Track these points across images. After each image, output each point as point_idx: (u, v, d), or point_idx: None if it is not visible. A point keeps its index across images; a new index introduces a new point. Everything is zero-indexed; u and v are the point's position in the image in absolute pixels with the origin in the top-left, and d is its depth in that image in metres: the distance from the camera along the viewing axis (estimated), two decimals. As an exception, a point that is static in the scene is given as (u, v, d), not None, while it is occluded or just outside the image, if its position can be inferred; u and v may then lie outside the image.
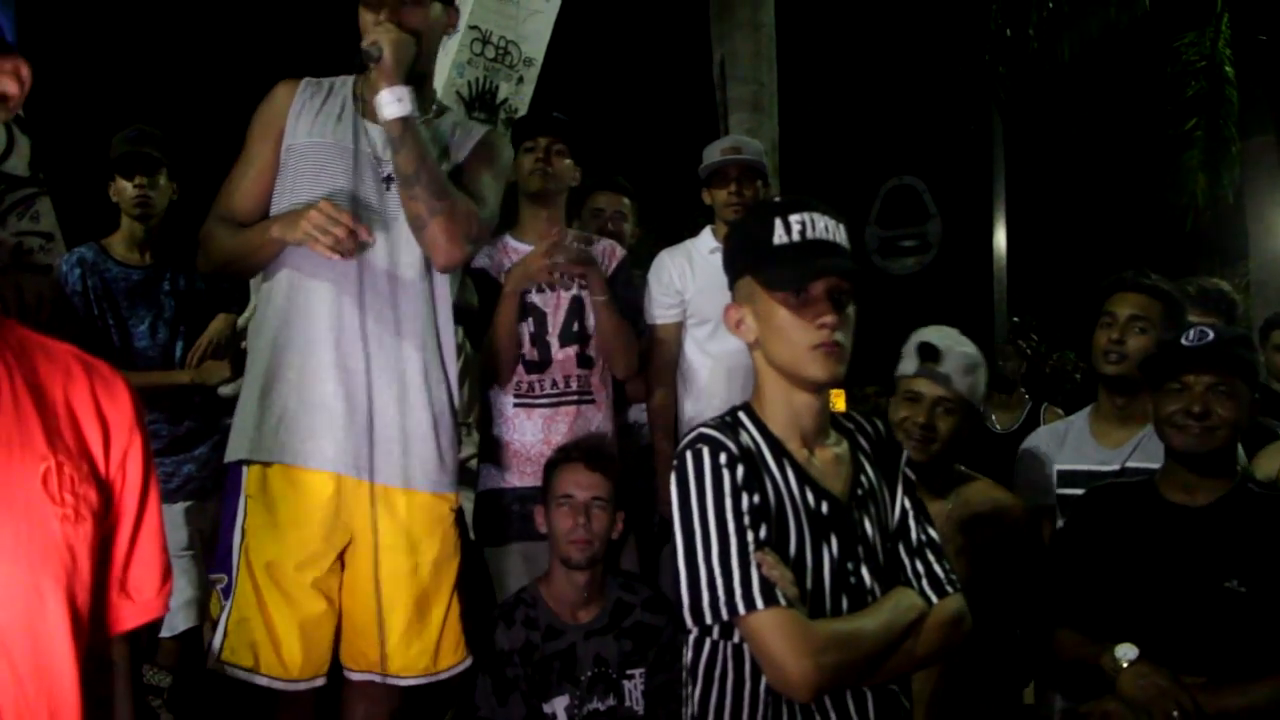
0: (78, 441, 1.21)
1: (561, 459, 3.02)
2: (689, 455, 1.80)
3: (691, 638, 1.86)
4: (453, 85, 4.60)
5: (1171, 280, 3.15)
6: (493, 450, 3.32)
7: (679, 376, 3.62)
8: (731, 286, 1.94)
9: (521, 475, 3.24)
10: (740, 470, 1.77)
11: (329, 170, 2.51)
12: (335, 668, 2.56)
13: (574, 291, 3.36)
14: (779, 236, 1.81)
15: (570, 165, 3.46)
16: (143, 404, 1.35)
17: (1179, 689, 2.25)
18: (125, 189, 3.74)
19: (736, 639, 1.78)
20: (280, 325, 2.49)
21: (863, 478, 1.92)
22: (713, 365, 3.52)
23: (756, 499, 1.77)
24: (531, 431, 3.28)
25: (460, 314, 3.52)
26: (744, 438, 1.84)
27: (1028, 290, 15.11)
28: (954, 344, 2.78)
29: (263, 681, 2.39)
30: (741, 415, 1.90)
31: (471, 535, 3.28)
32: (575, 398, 3.34)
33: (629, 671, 2.91)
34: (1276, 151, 11.40)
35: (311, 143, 2.54)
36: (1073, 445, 3.15)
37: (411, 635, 2.53)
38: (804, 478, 1.84)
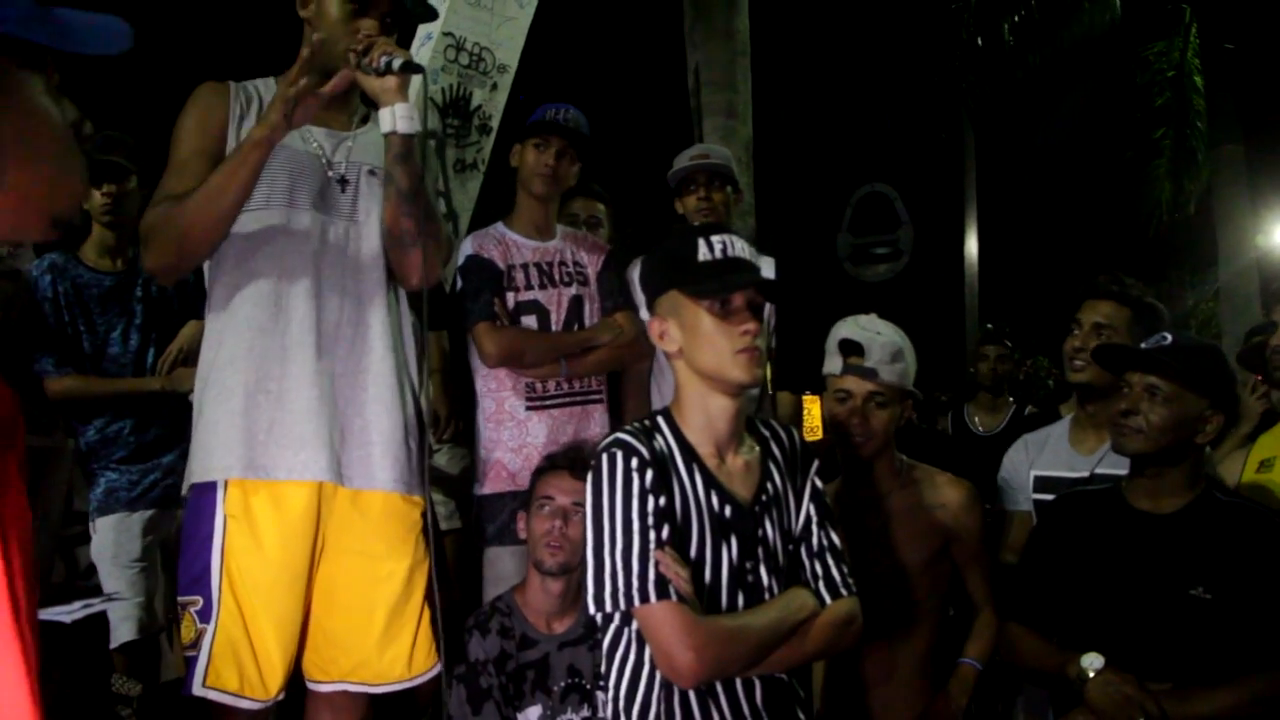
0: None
1: (548, 466, 3.01)
2: (605, 458, 1.99)
3: (599, 620, 2.05)
4: (425, 91, 4.58)
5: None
6: (501, 453, 3.30)
7: (652, 380, 3.63)
8: (651, 302, 2.10)
9: None
10: (650, 475, 1.95)
11: (285, 177, 2.47)
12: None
13: (574, 290, 3.39)
14: (703, 254, 2.00)
15: (575, 170, 3.48)
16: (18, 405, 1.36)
17: (1145, 696, 2.27)
18: (93, 197, 3.72)
19: (636, 625, 1.96)
20: (254, 334, 2.42)
21: (769, 484, 2.09)
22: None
23: (663, 501, 1.94)
24: (541, 433, 3.28)
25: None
26: (658, 443, 2.02)
27: (999, 297, 15.21)
28: (875, 334, 2.76)
29: (245, 705, 2.33)
30: (660, 420, 2.08)
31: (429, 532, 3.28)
32: (581, 398, 3.36)
33: (603, 682, 2.90)
34: (1245, 160, 11.54)
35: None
36: (1050, 451, 3.18)
37: (387, 641, 2.50)
38: (711, 482, 2.02)
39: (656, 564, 1.88)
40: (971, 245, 13.28)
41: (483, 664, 2.85)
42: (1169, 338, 2.49)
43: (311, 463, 2.41)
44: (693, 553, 1.97)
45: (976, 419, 5.81)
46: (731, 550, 2.00)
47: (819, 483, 2.16)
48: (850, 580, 2.08)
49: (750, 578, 2.01)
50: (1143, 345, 2.51)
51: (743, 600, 1.99)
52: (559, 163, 3.39)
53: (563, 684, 2.89)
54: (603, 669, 2.07)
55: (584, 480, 2.90)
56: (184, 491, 2.47)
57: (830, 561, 2.08)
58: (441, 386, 3.77)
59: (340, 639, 2.49)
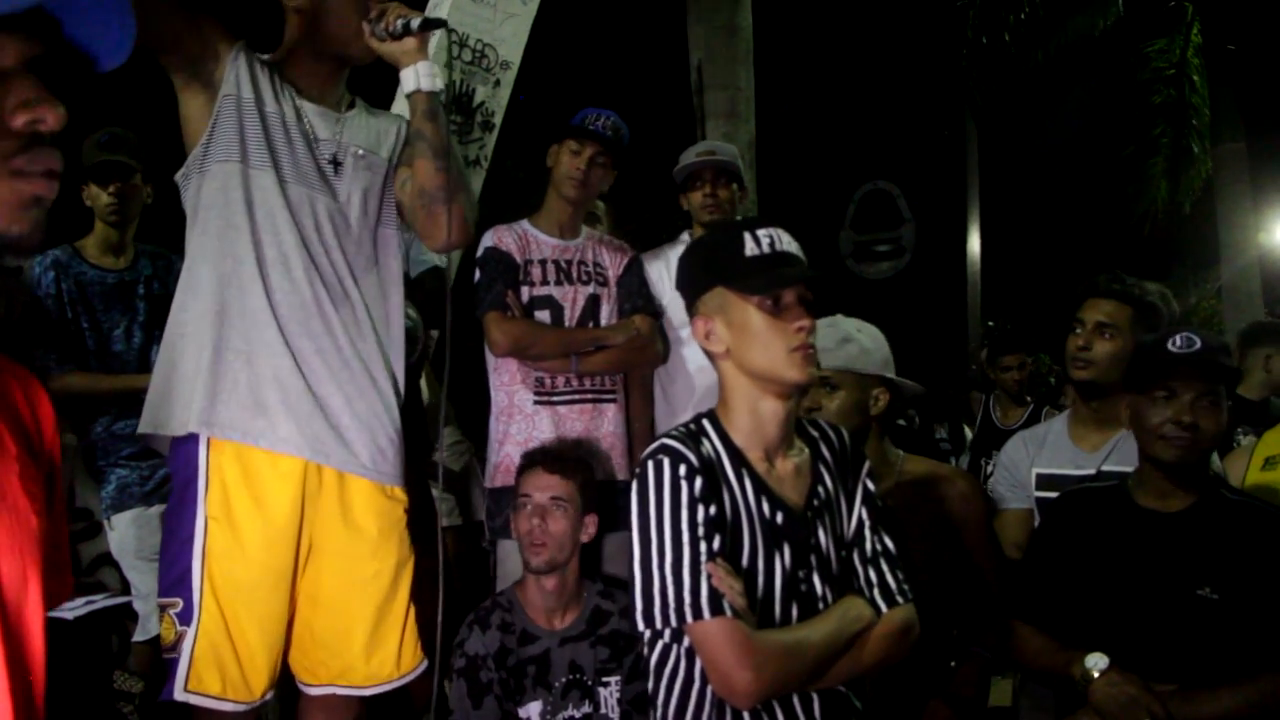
0: (27, 444, 1.25)
1: (526, 463, 3.02)
2: (650, 465, 1.86)
3: (647, 636, 1.93)
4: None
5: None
6: (509, 447, 3.31)
7: (655, 379, 3.63)
8: (693, 301, 1.99)
9: None
10: (699, 482, 1.83)
11: (278, 141, 2.46)
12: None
13: (591, 289, 3.41)
14: (750, 249, 1.89)
15: (608, 177, 3.50)
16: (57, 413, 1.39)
17: (1150, 697, 2.26)
18: (99, 197, 3.72)
19: (687, 642, 1.85)
20: (233, 291, 2.38)
21: (821, 488, 1.98)
22: (688, 367, 3.54)
23: (713, 510, 1.83)
24: (548, 428, 3.29)
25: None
26: (705, 447, 1.90)
27: (1002, 294, 15.20)
28: (821, 328, 2.82)
29: (228, 708, 2.31)
30: (705, 424, 1.96)
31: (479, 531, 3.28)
32: (593, 396, 3.37)
33: (604, 679, 2.90)
34: (1246, 158, 11.53)
35: (263, 111, 2.45)
36: (1051, 448, 3.17)
37: (375, 643, 2.49)
38: (761, 488, 1.91)
39: (709, 577, 1.77)
40: (974, 242, 13.27)
41: (483, 659, 2.85)
42: (1197, 340, 2.41)
43: (271, 430, 2.37)
44: (744, 563, 1.86)
45: (997, 413, 6.12)
46: (784, 559, 1.89)
47: (870, 484, 2.05)
48: (906, 586, 1.97)
49: (804, 587, 1.91)
50: (1170, 348, 2.42)
51: (796, 611, 1.89)
52: (591, 169, 3.41)
53: (563, 680, 2.89)
54: (649, 688, 1.97)
55: (559, 474, 2.92)
56: (140, 429, 2.40)
57: (885, 568, 1.97)
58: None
59: (327, 641, 2.48)
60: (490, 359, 3.39)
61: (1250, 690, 2.25)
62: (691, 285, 1.99)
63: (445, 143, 2.52)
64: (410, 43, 2.47)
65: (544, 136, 3.52)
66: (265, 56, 2.55)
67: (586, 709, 2.89)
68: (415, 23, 2.45)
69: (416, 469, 2.77)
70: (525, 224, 3.49)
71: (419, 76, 2.49)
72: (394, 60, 2.51)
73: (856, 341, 2.75)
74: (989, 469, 5.33)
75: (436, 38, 4.48)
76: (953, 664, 2.85)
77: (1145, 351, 2.52)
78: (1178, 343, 2.41)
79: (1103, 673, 2.31)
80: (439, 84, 2.50)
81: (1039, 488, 3.11)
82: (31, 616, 1.17)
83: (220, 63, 2.42)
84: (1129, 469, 2.59)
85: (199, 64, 2.40)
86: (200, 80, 2.41)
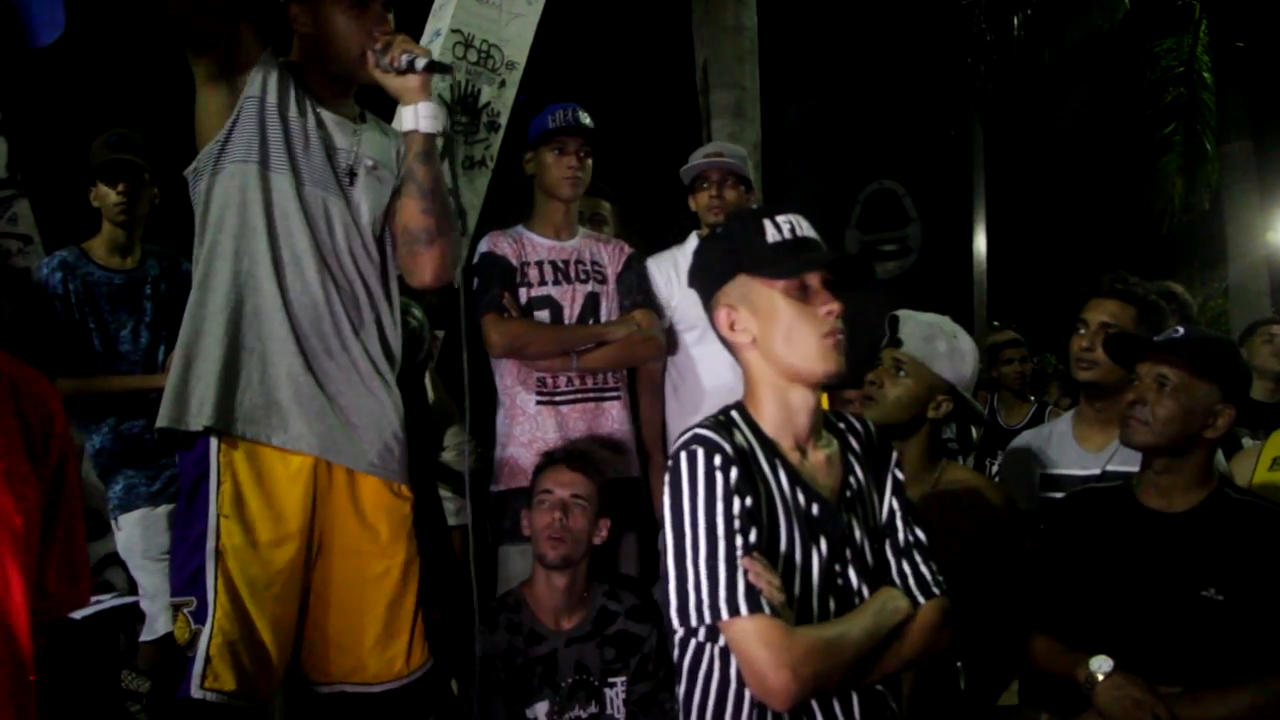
0: (27, 444, 1.27)
1: (546, 461, 3.03)
2: (684, 456, 1.79)
3: (677, 637, 1.88)
4: (434, 89, 4.58)
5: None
6: (514, 448, 3.31)
7: (666, 379, 3.63)
8: (713, 292, 1.93)
9: None
10: (734, 472, 1.76)
11: (298, 146, 2.48)
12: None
13: (590, 287, 3.41)
14: (772, 235, 1.85)
15: (591, 165, 3.52)
16: (65, 413, 1.41)
17: (1155, 699, 2.24)
18: (108, 196, 3.72)
19: (723, 641, 1.79)
20: (250, 290, 2.42)
21: (852, 479, 1.94)
22: (699, 368, 3.54)
23: (749, 502, 1.76)
24: (552, 428, 3.29)
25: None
26: (738, 438, 1.84)
27: (1008, 294, 15.14)
28: (915, 314, 2.84)
29: (243, 705, 2.31)
30: (735, 415, 1.91)
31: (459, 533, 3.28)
32: (595, 394, 3.37)
33: (611, 679, 2.91)
34: (1254, 157, 11.51)
35: (285, 116, 2.48)
36: (1056, 449, 3.16)
37: (386, 640, 2.51)
38: (795, 479, 1.85)
39: (745, 572, 1.70)
40: (980, 242, 13.21)
41: (490, 659, 2.86)
42: (1181, 330, 2.46)
43: (283, 428, 2.40)
44: (781, 556, 1.79)
45: (1001, 415, 6.11)
46: (821, 551, 1.83)
47: (900, 475, 2.01)
48: (940, 578, 1.93)
49: (840, 581, 1.85)
50: (1154, 339, 2.49)
51: (834, 606, 1.83)
52: (581, 164, 3.43)
53: (570, 680, 2.89)
54: (680, 690, 1.89)
55: (581, 473, 2.93)
56: (158, 424, 2.39)
57: (918, 559, 1.93)
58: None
59: (338, 639, 2.49)
60: (494, 362, 3.39)
61: (1255, 692, 2.24)
62: (712, 275, 1.94)
63: (435, 185, 2.52)
64: (413, 80, 2.46)
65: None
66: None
67: (593, 709, 2.90)
68: (420, 63, 2.42)
69: (422, 469, 2.77)
70: (520, 228, 3.50)
71: (418, 118, 2.49)
72: (395, 94, 2.51)
73: (945, 342, 2.78)
74: (993, 469, 5.34)
75: (443, 38, 4.49)
76: (959, 664, 2.85)
77: (1127, 340, 2.61)
78: (1163, 334, 2.48)
79: (1107, 675, 2.30)
80: (439, 126, 2.49)
81: (1043, 488, 3.10)
82: (14, 614, 1.18)
83: (249, 65, 2.45)
84: (1134, 469, 2.58)
85: (231, 64, 2.43)
86: (227, 79, 2.43)
